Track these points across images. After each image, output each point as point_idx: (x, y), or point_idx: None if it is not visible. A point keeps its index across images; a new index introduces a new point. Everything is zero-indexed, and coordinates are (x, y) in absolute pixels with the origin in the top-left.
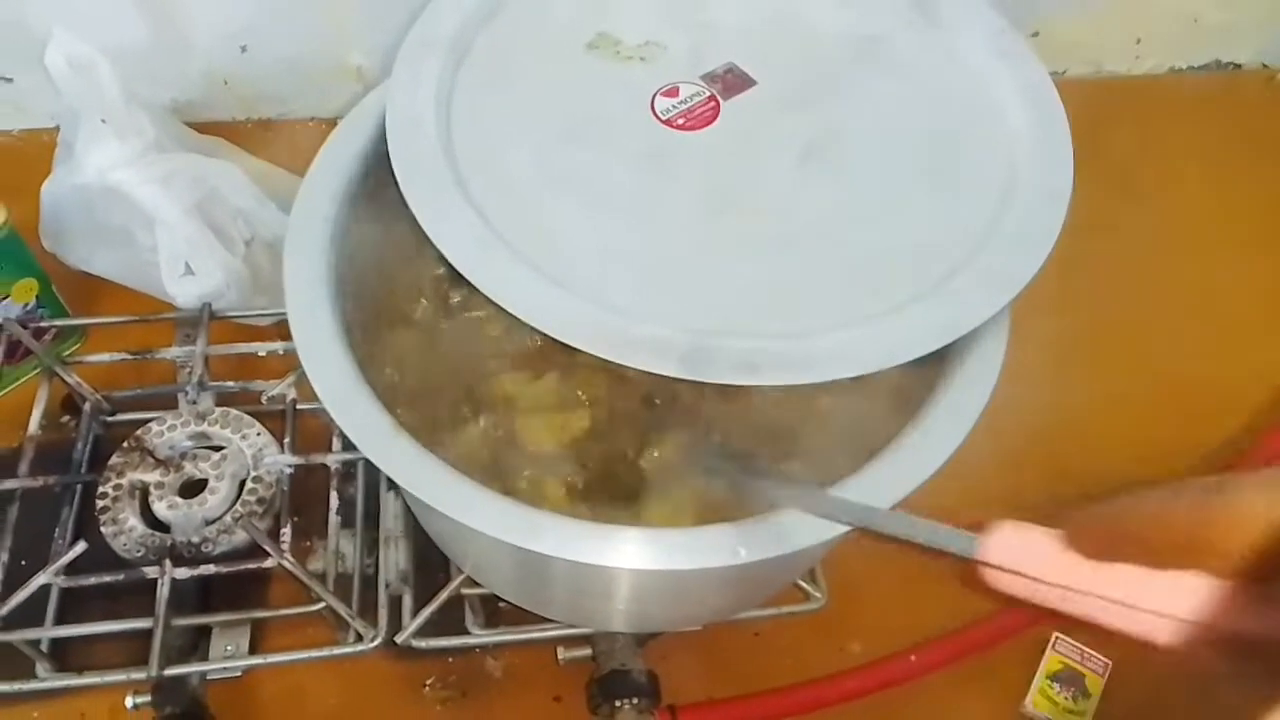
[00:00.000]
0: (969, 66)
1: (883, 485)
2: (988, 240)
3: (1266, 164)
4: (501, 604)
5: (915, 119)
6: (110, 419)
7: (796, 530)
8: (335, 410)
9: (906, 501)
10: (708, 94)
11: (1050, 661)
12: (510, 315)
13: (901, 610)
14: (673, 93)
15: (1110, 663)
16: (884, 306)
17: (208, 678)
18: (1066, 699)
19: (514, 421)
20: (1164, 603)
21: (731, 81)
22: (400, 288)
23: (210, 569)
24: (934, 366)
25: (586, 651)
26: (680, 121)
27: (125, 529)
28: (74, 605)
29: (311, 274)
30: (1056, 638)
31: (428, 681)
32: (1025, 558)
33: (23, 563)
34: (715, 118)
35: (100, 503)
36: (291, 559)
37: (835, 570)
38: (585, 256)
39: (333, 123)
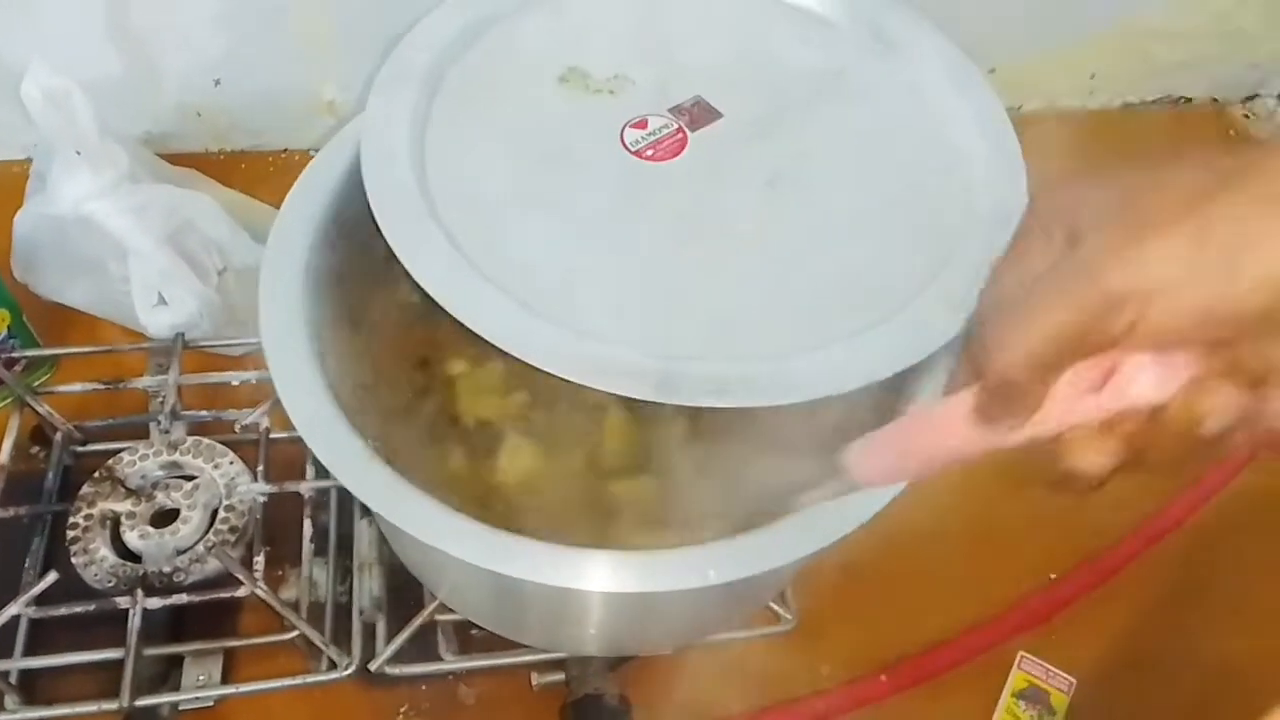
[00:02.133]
0: (928, 98)
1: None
2: (947, 264)
3: None
4: (474, 631)
5: (877, 148)
6: (81, 449)
7: (765, 551)
8: (311, 438)
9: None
10: (675, 126)
11: (1016, 680)
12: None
13: (871, 631)
14: (641, 125)
15: (1075, 680)
16: (849, 329)
17: (180, 708)
18: (1032, 716)
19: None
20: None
21: (698, 114)
22: (377, 317)
23: (182, 598)
24: (895, 389)
25: (560, 676)
26: (649, 153)
27: (96, 559)
28: (44, 636)
29: (287, 303)
30: (1022, 656)
31: (401, 709)
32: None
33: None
34: (683, 149)
35: (71, 533)
36: (265, 587)
37: (806, 592)
38: (557, 282)
39: (306, 154)
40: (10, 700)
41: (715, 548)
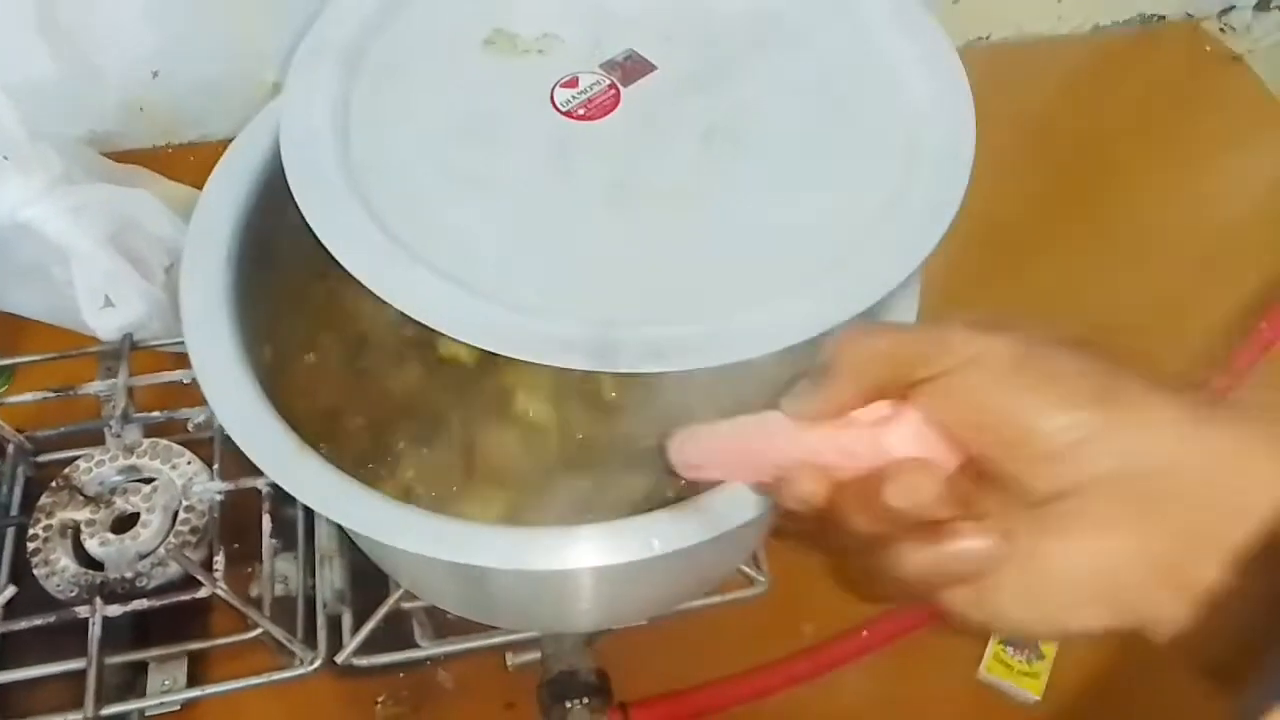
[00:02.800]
0: (870, 40)
1: None
2: (893, 210)
3: (1192, 114)
4: (449, 615)
5: (818, 95)
6: (40, 459)
7: (708, 519)
8: (237, 434)
9: None
10: (608, 82)
11: None
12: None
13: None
14: (572, 83)
15: None
16: (793, 282)
17: (146, 714)
18: (1021, 661)
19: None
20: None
21: (631, 68)
22: (306, 301)
23: (143, 603)
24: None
25: (535, 655)
26: (581, 112)
27: (57, 569)
28: (15, 649)
29: (208, 294)
30: None
31: (379, 699)
32: (699, 449)
33: None
34: (616, 105)
35: (31, 544)
36: (225, 587)
37: (782, 553)
38: (489, 255)
39: None
40: None
41: (659, 517)
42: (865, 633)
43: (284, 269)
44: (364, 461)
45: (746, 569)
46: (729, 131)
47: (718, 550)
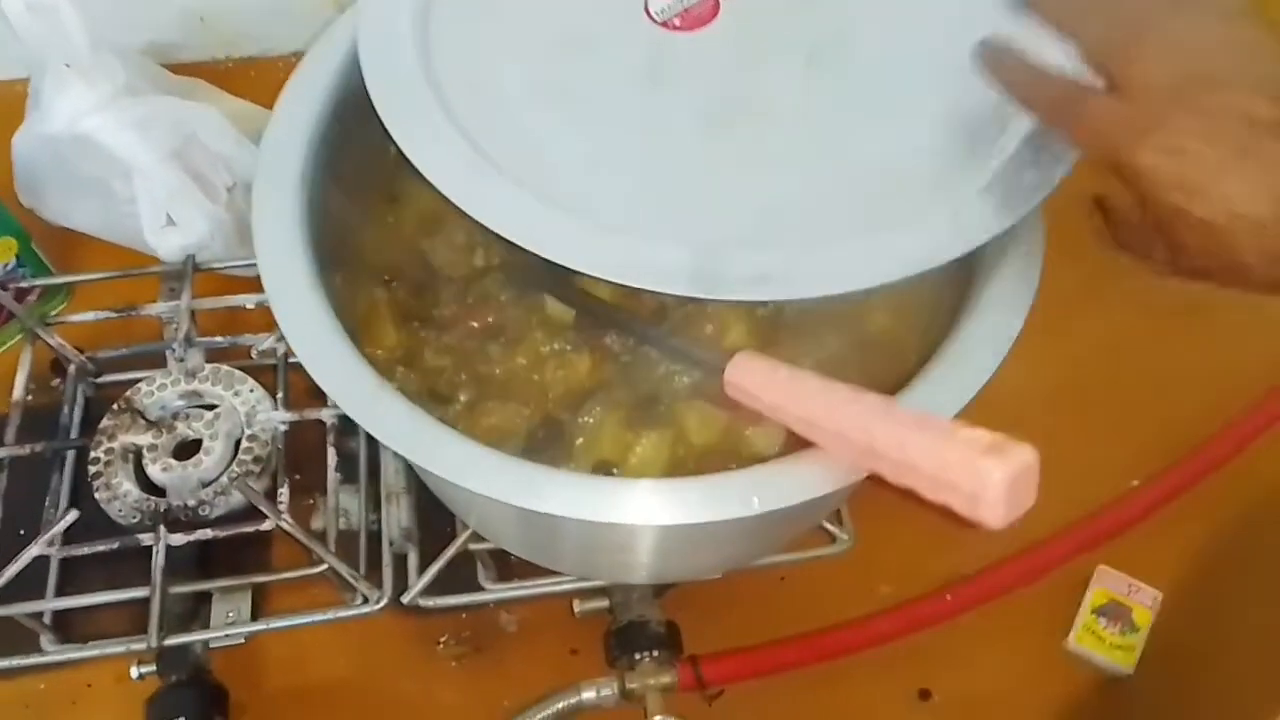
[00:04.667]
0: None
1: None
2: (1010, 144)
3: None
4: (513, 557)
5: (927, 18)
6: (101, 380)
7: (813, 479)
8: (312, 365)
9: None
10: None
11: (1095, 595)
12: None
13: (934, 548)
14: None
15: (1160, 594)
16: (897, 216)
17: (210, 645)
18: (1113, 634)
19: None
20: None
21: None
22: (381, 226)
23: (207, 533)
24: (962, 284)
25: (603, 603)
26: (676, 21)
27: (119, 494)
28: (77, 573)
29: (283, 216)
30: (1101, 570)
31: (440, 639)
32: (753, 378)
33: (21, 532)
34: (714, 15)
35: (92, 468)
36: (290, 520)
37: (863, 509)
38: (581, 173)
39: None
40: (45, 640)
41: (760, 474)
42: (949, 596)
43: (359, 192)
44: (439, 398)
45: (829, 525)
46: (833, 52)
47: (808, 507)
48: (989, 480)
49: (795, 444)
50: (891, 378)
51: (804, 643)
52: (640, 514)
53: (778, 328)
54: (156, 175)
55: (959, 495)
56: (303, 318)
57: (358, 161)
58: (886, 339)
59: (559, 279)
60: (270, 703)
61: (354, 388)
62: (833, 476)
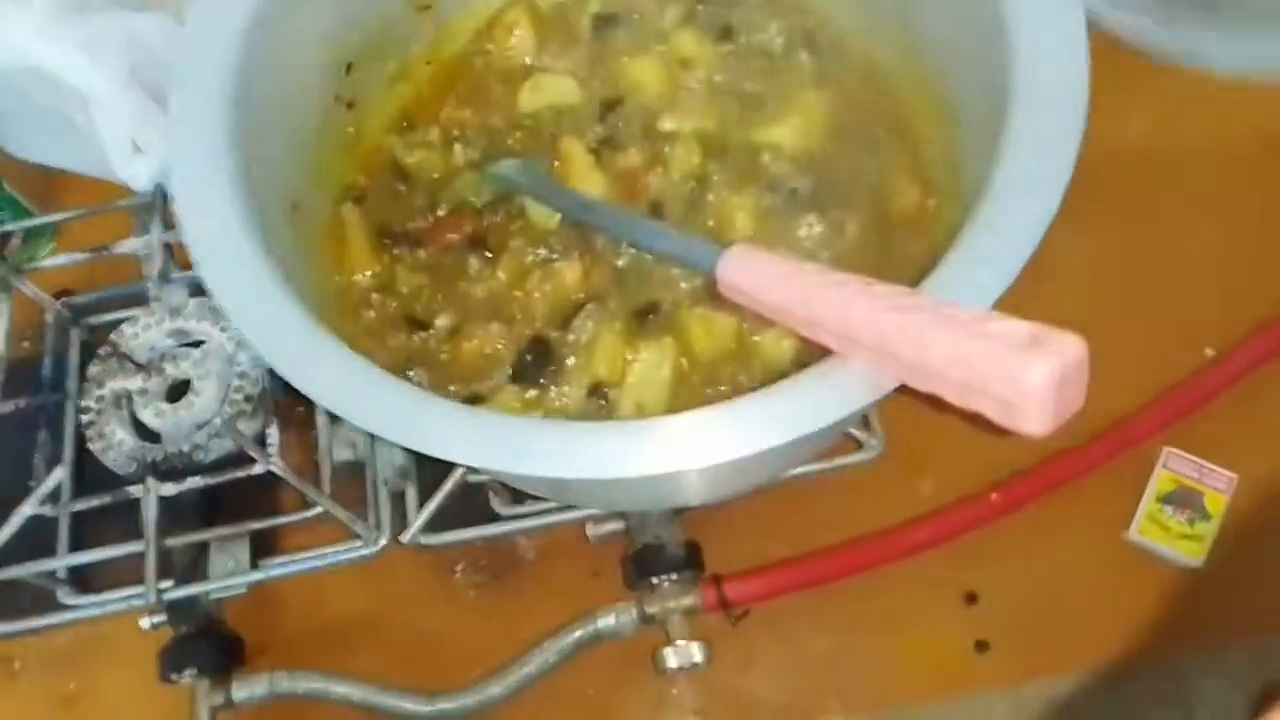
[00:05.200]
0: None
1: None
2: None
3: None
4: None
5: None
6: (95, 323)
7: (836, 396)
8: (237, 313)
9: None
10: None
11: (1161, 480)
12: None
13: (981, 437)
14: None
15: (1236, 477)
16: None
17: (211, 596)
18: (1181, 522)
19: None
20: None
21: None
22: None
23: (198, 481)
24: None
25: (618, 526)
26: None
27: (114, 443)
28: (83, 527)
29: (206, 143)
30: (1169, 453)
31: (457, 568)
32: (751, 277)
33: (31, 484)
34: None
35: (84, 417)
36: (279, 462)
37: (897, 408)
38: None
39: None
40: (62, 593)
41: (776, 397)
42: (995, 496)
43: (306, 102)
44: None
45: (855, 431)
46: None
47: (835, 425)
48: (1027, 383)
49: (812, 346)
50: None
51: (833, 556)
52: (640, 465)
53: (789, 216)
54: (114, 99)
55: (992, 401)
56: (227, 257)
57: (299, 67)
58: (915, 216)
59: (541, 179)
60: (290, 643)
61: (287, 338)
62: (858, 392)
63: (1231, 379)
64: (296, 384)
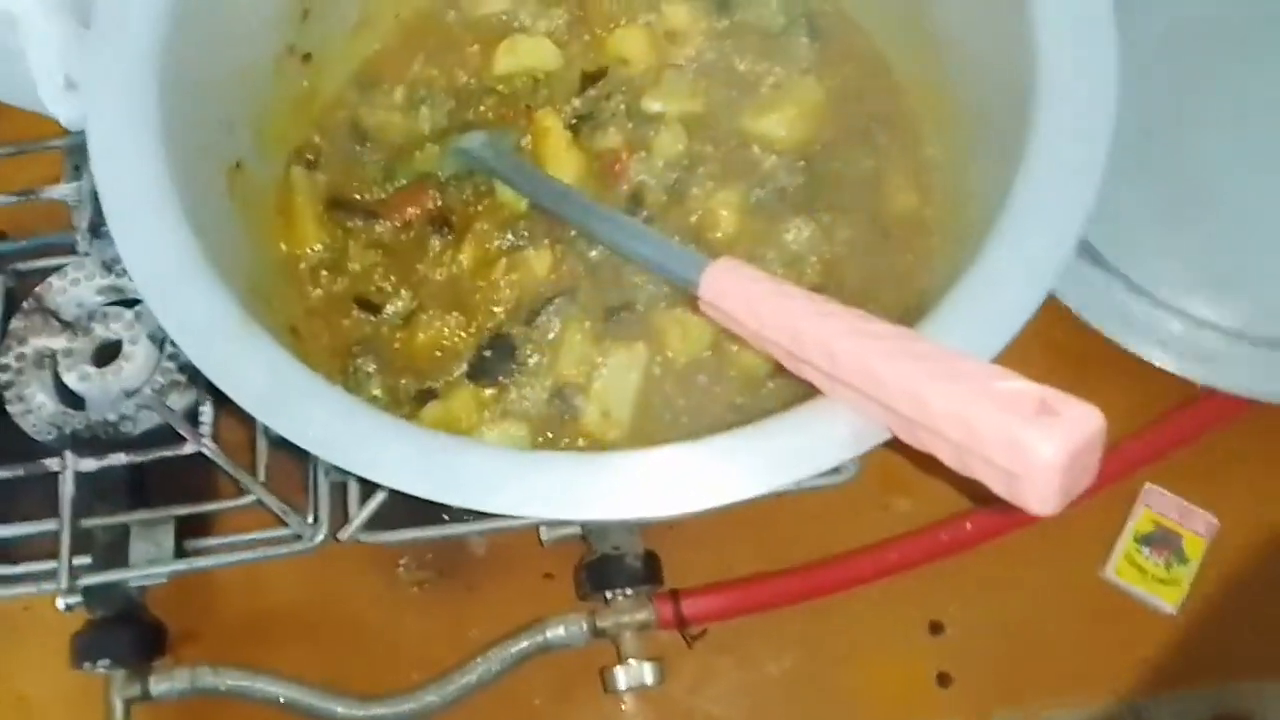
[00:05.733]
0: None
1: None
2: None
3: None
4: None
5: None
6: (17, 269)
7: (817, 451)
8: (152, 296)
9: None
10: None
11: (1140, 521)
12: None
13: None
14: None
15: (1218, 522)
16: None
17: (131, 585)
18: (1158, 565)
19: None
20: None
21: None
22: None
23: (121, 457)
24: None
25: (575, 530)
26: None
27: (34, 407)
28: (2, 493)
29: (128, 94)
30: (1149, 489)
31: (401, 561)
32: (730, 300)
33: None
34: None
35: (3, 376)
36: (212, 444)
37: None
38: None
39: None
40: None
41: (751, 440)
42: (969, 524)
43: (244, 53)
44: (368, 306)
45: None
46: None
47: None
48: (1035, 457)
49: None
50: (917, 281)
51: (796, 576)
52: (592, 508)
53: (776, 215)
54: (43, 27)
55: (993, 470)
56: (146, 226)
57: (246, 6)
58: (911, 224)
59: (511, 159)
60: (224, 632)
61: (206, 329)
62: (843, 445)
63: (1219, 415)
64: (216, 380)
